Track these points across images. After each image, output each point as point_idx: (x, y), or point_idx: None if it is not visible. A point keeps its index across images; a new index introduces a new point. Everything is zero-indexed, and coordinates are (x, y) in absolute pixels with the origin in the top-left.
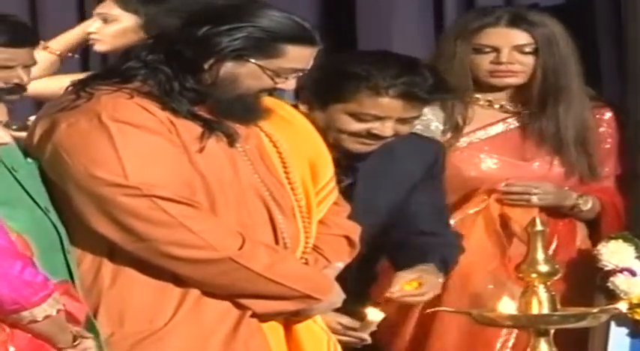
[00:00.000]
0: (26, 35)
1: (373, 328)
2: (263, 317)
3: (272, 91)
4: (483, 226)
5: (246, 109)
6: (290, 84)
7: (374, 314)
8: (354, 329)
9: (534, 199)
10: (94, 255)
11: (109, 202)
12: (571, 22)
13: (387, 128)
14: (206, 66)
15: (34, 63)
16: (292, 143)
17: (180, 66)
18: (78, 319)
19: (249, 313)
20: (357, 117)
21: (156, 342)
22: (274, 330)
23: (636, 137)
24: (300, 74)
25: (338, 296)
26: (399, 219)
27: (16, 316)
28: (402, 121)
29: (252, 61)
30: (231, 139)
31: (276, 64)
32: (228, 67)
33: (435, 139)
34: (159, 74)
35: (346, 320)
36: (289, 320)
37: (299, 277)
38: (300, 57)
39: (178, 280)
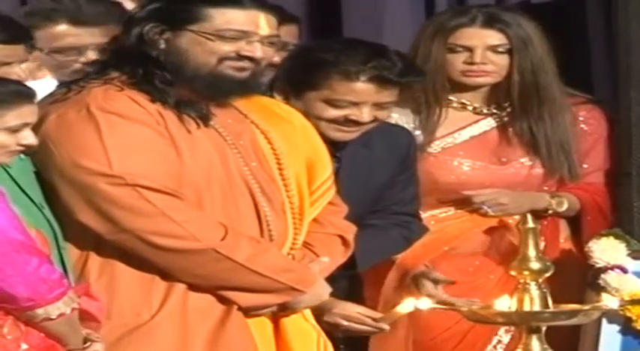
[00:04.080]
0: (22, 31)
1: (395, 318)
2: (249, 312)
3: (236, 59)
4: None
5: (220, 82)
6: (253, 49)
7: (405, 306)
8: (374, 319)
9: (488, 210)
10: (82, 248)
11: (92, 190)
12: (562, 21)
13: (364, 113)
14: (154, 53)
15: (27, 59)
16: (289, 141)
17: (148, 63)
18: (97, 319)
19: (235, 307)
20: (332, 104)
21: (143, 335)
22: (262, 326)
23: (628, 136)
24: (267, 42)
25: (323, 289)
26: (375, 208)
27: (30, 313)
28: (378, 106)
29: (183, 28)
30: (204, 119)
31: (209, 28)
32: (173, 45)
33: (405, 128)
34: (139, 72)
35: (364, 309)
36: (278, 316)
37: (282, 269)
38: (231, 19)
39: (164, 273)
